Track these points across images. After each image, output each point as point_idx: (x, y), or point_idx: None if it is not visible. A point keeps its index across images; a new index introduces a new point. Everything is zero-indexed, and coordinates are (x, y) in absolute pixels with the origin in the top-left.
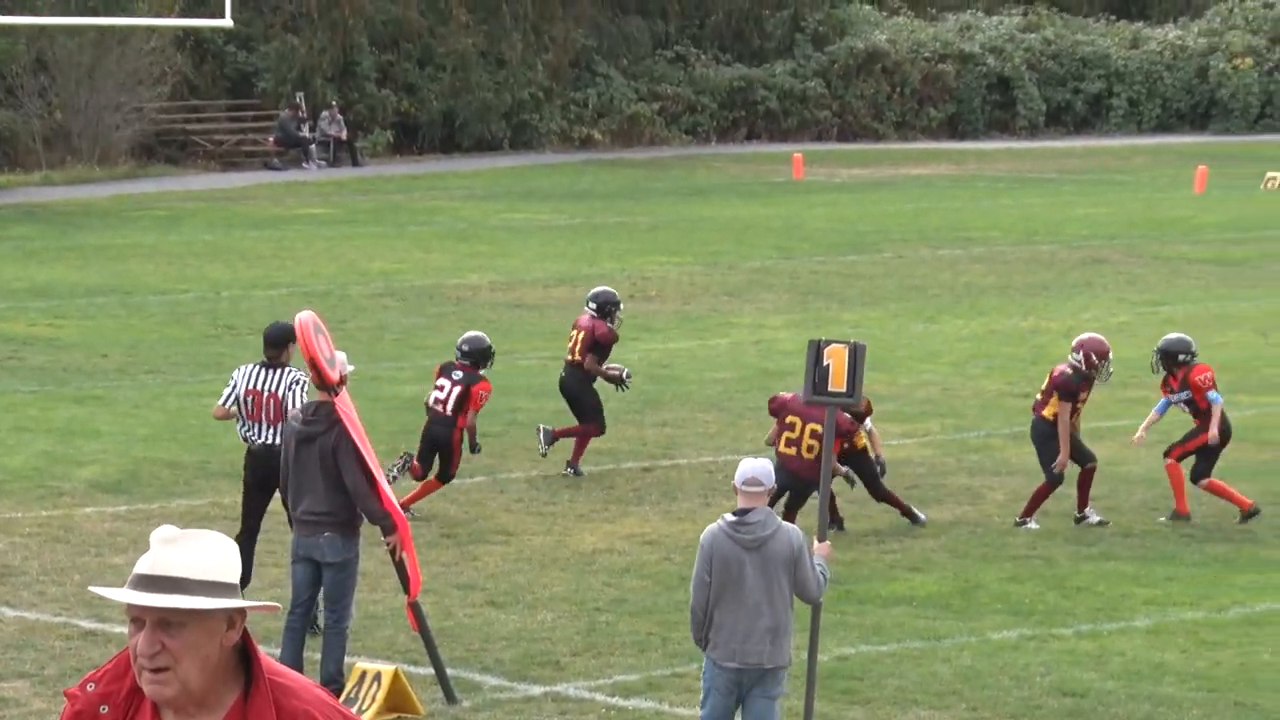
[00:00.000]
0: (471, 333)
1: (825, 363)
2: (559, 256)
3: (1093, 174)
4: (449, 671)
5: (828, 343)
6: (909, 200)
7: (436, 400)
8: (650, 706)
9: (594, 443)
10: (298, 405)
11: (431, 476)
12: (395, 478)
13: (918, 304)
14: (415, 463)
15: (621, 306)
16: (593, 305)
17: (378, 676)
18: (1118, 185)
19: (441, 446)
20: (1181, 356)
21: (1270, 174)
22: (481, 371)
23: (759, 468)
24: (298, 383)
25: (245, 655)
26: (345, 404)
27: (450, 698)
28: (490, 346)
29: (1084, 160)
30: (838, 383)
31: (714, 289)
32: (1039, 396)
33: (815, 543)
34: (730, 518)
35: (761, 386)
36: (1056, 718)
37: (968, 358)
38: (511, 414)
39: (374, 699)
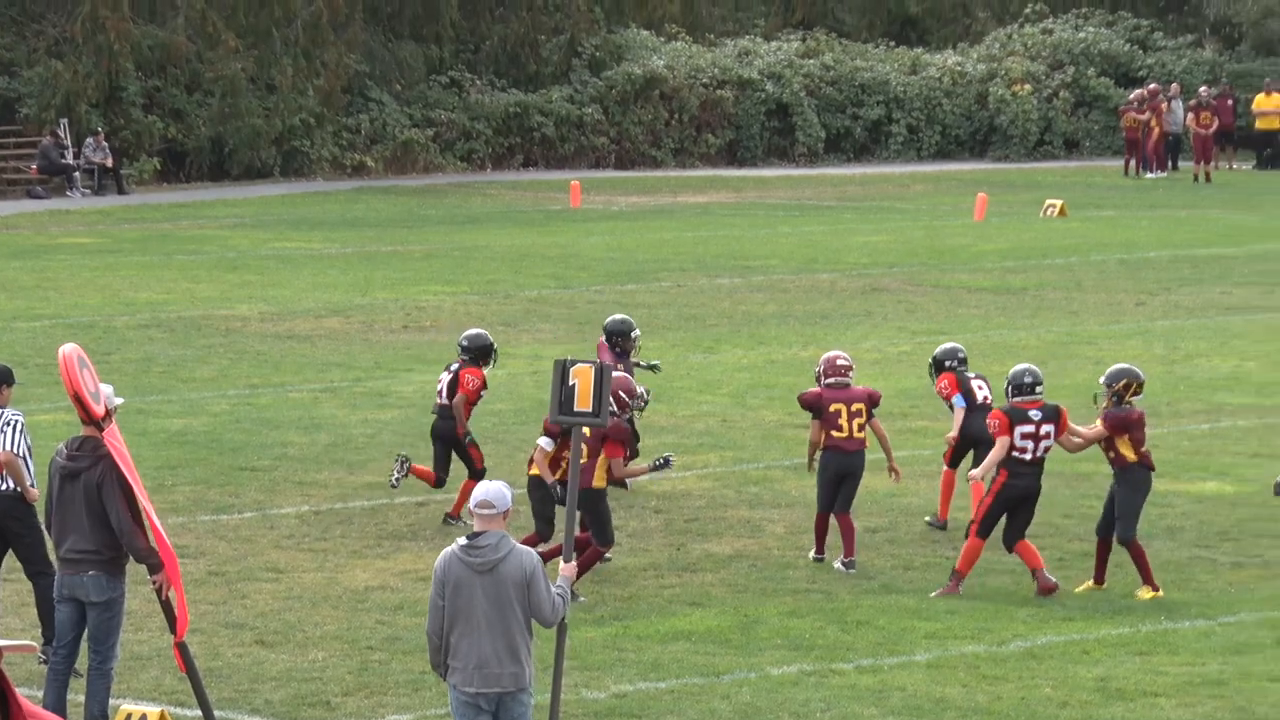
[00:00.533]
0: (473, 329)
1: (571, 382)
2: (331, 286)
3: (872, 201)
4: (217, 713)
5: (574, 362)
6: (687, 228)
7: (437, 393)
8: None
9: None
10: (9, 446)
11: (466, 480)
12: (396, 484)
13: (696, 333)
14: (419, 467)
15: (636, 334)
16: (604, 336)
17: (143, 719)
18: (898, 213)
19: (448, 441)
20: (948, 363)
21: (1049, 201)
22: (484, 368)
23: (491, 490)
24: (9, 424)
25: (3, 697)
26: (115, 438)
27: None
28: (492, 344)
29: (863, 187)
30: (583, 403)
31: (490, 319)
32: (857, 431)
33: (562, 564)
34: (463, 541)
35: (539, 418)
36: None
37: (747, 388)
38: (282, 448)
39: None
